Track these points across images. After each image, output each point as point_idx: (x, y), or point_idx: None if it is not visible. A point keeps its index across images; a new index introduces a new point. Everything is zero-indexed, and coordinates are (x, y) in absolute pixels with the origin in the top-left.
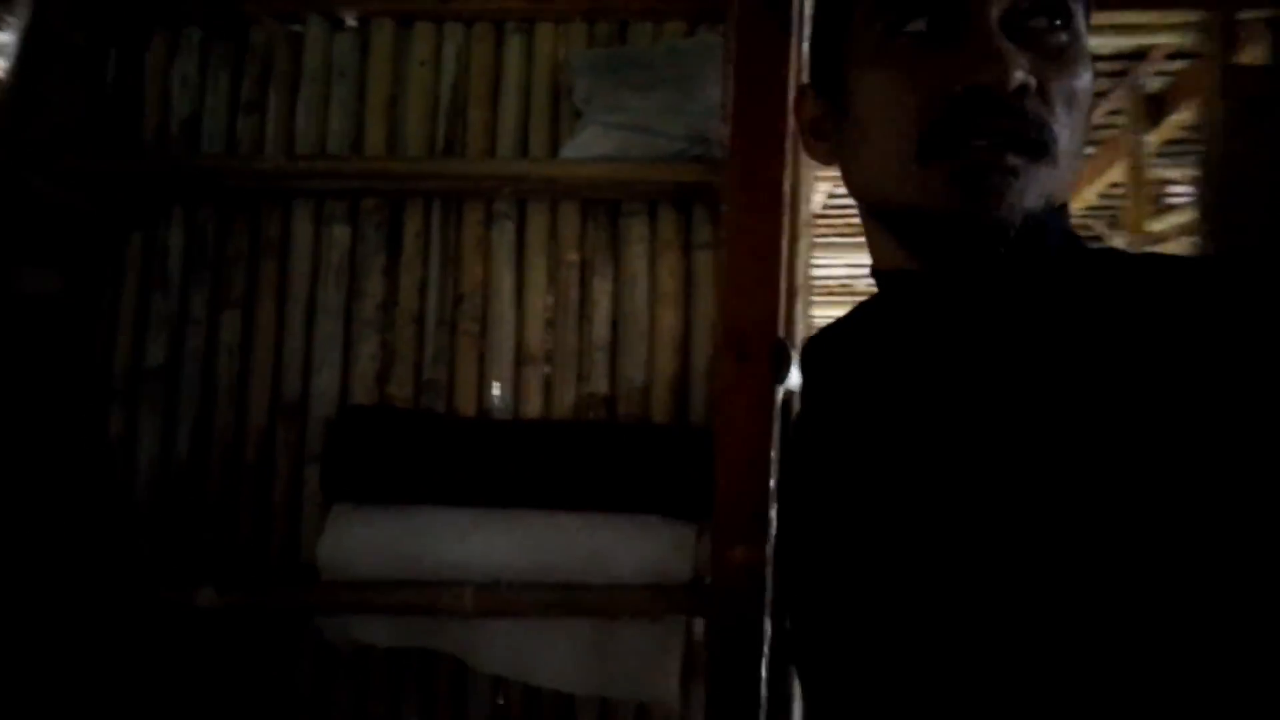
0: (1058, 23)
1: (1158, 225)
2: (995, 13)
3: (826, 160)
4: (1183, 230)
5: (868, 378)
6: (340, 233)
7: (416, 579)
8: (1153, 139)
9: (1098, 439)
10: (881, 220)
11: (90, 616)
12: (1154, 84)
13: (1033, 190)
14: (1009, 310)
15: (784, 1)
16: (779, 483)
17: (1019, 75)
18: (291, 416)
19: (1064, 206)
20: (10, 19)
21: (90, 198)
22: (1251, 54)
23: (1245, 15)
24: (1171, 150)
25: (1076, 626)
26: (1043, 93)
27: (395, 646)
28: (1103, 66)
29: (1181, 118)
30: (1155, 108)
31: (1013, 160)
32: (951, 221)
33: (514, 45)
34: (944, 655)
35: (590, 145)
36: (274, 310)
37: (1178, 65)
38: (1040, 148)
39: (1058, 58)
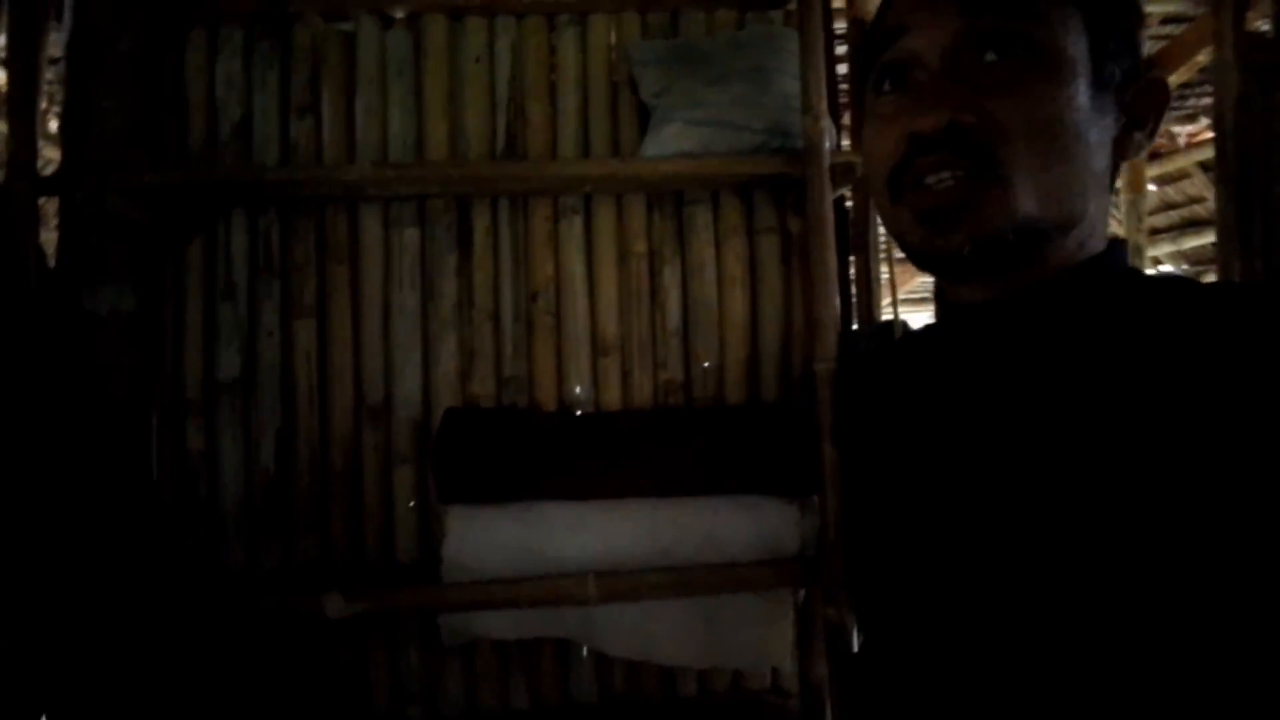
0: (1013, 51)
1: (1153, 172)
2: (934, 61)
3: None
4: (1172, 178)
5: (928, 382)
6: (410, 235)
7: (540, 573)
8: None
9: (1094, 449)
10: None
11: (194, 628)
12: (1149, 47)
13: (986, 215)
14: (1038, 336)
15: None
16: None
17: (944, 115)
18: (376, 420)
19: (1116, 243)
20: (57, 25)
21: (146, 208)
22: (1256, 23)
23: None
24: None
25: (1062, 613)
26: (995, 119)
27: (521, 639)
28: None
29: (1175, 78)
30: (1148, 68)
31: (958, 191)
32: (918, 253)
33: (568, 37)
34: (962, 639)
35: (672, 142)
36: (349, 315)
37: (1169, 30)
38: (984, 173)
39: (1012, 87)
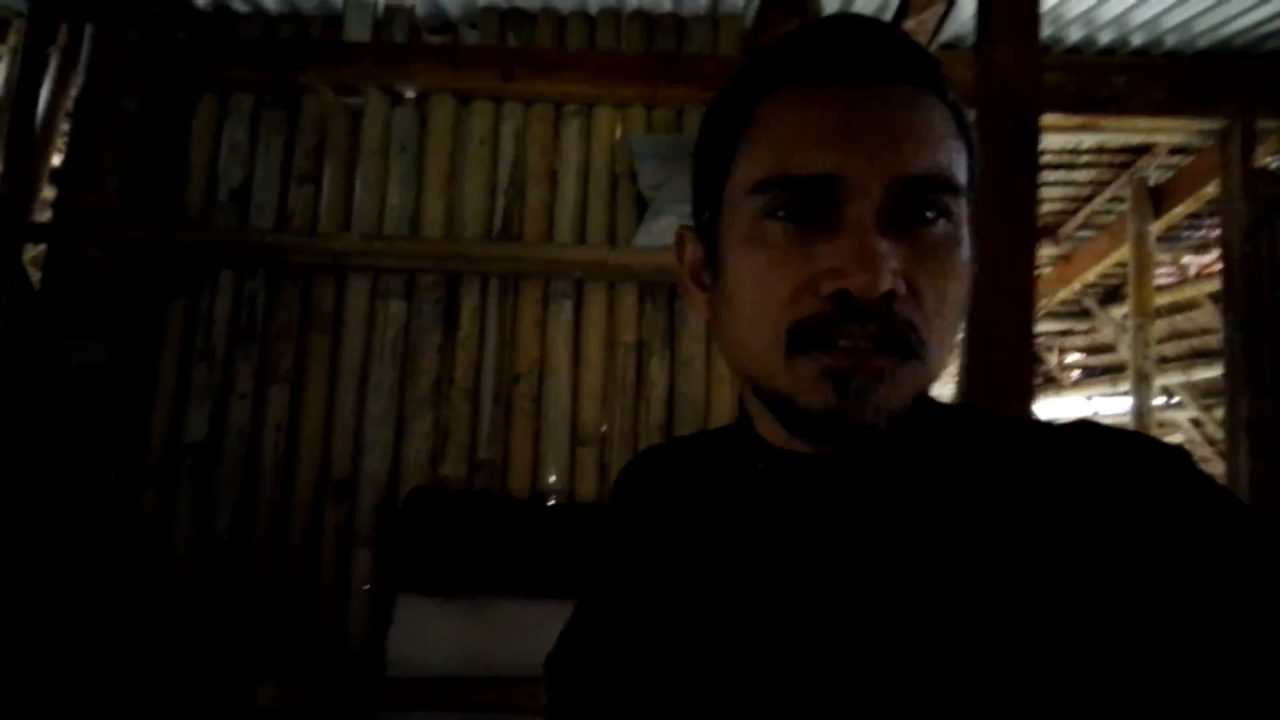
0: (935, 215)
1: (1163, 300)
2: (868, 209)
3: (704, 313)
4: (1181, 307)
5: (706, 523)
6: (397, 308)
7: (486, 674)
8: (1154, 227)
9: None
10: (759, 397)
11: (130, 697)
12: (1155, 176)
13: (901, 391)
14: (877, 498)
15: None
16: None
17: (887, 281)
18: (340, 497)
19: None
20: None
21: (132, 265)
22: (1265, 158)
23: (1262, 125)
24: (1167, 236)
25: None
26: (914, 291)
27: None
28: (1107, 159)
29: (1182, 209)
30: (1155, 197)
31: (880, 363)
32: (821, 419)
33: (573, 127)
34: None
35: (665, 234)
36: (325, 386)
37: (1176, 160)
38: (907, 350)
39: (933, 253)
